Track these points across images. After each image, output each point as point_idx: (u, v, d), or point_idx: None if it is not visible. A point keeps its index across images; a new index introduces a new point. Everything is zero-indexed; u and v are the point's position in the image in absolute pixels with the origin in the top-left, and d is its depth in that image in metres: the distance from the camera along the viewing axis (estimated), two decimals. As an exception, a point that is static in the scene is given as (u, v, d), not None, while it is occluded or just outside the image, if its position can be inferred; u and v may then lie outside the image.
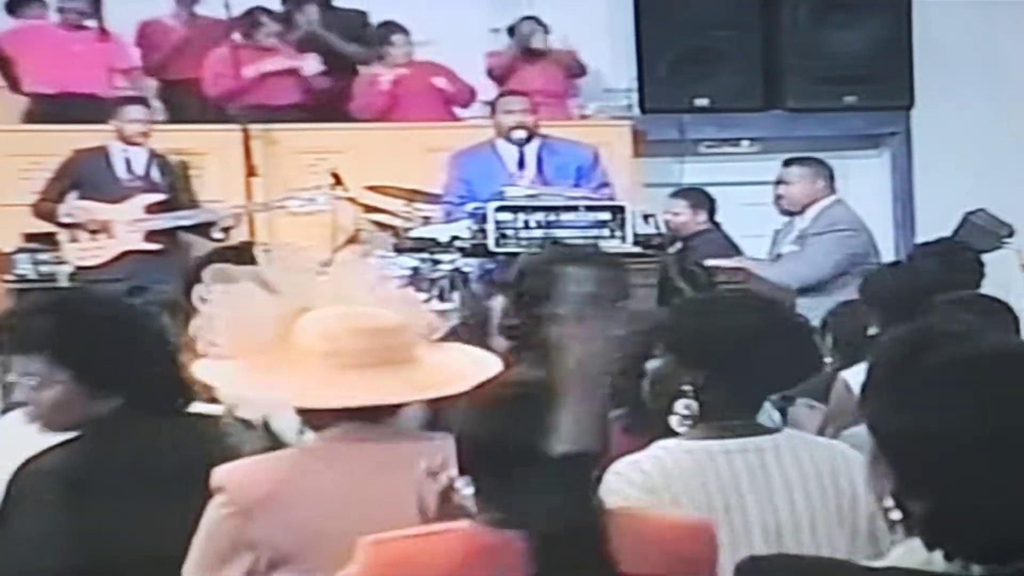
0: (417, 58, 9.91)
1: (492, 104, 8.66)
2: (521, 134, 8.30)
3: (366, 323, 3.01)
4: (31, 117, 9.56)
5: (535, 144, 8.35)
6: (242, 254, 3.23)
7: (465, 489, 2.64)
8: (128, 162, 8.62)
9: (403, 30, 9.90)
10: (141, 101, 8.89)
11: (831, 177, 8.36)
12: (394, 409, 3.05)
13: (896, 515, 2.00)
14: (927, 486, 1.97)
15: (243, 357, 2.98)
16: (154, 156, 8.68)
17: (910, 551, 2.04)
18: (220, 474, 2.91)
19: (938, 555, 1.96)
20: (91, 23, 9.59)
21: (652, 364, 3.25)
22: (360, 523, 2.70)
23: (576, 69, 10.19)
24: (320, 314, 3.01)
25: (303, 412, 3.02)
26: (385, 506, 2.83)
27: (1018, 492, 1.95)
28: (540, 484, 2.60)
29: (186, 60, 9.84)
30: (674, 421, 3.16)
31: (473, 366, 3.06)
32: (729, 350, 3.10)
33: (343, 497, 2.88)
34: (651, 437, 3.19)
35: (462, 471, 2.65)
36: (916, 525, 1.98)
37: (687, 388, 3.14)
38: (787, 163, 8.50)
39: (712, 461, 3.07)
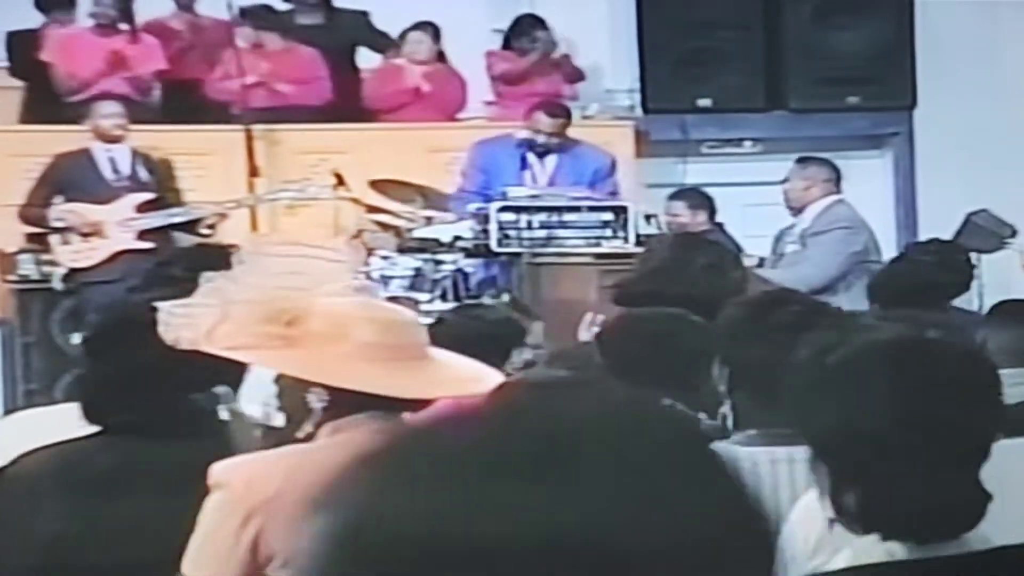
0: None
1: (528, 111, 8.67)
2: (546, 140, 8.39)
3: (389, 316, 2.99)
4: (49, 118, 9.51)
5: (557, 149, 8.43)
6: (213, 251, 3.21)
7: None
8: (113, 161, 8.62)
9: (431, 27, 9.85)
10: (114, 97, 8.86)
11: (837, 178, 8.37)
12: (422, 405, 3.00)
13: (830, 513, 2.05)
14: (854, 476, 2.03)
15: (258, 345, 2.92)
16: (137, 154, 8.67)
17: (854, 555, 2.07)
18: (220, 471, 2.84)
19: (877, 550, 2.01)
20: (123, 26, 9.55)
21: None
22: None
23: (574, 75, 10.18)
24: (344, 303, 2.98)
25: (331, 400, 2.91)
26: None
27: (935, 470, 2.02)
28: None
29: (190, 61, 9.84)
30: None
31: (481, 368, 3.06)
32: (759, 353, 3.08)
33: None
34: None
35: None
36: (850, 516, 2.03)
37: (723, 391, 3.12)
38: (796, 162, 8.54)
39: (754, 470, 3.03)
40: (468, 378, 3.02)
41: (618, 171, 8.71)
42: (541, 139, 8.44)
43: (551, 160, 8.45)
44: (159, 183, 8.67)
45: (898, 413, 2.02)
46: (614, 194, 8.38)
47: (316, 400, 2.92)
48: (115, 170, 8.61)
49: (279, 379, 3.06)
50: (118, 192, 8.55)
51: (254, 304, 2.92)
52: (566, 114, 8.70)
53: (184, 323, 2.93)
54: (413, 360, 2.96)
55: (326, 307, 2.95)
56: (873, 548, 2.03)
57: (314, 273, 3.01)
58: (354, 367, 2.88)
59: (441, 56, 9.87)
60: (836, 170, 8.44)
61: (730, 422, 3.15)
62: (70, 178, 8.52)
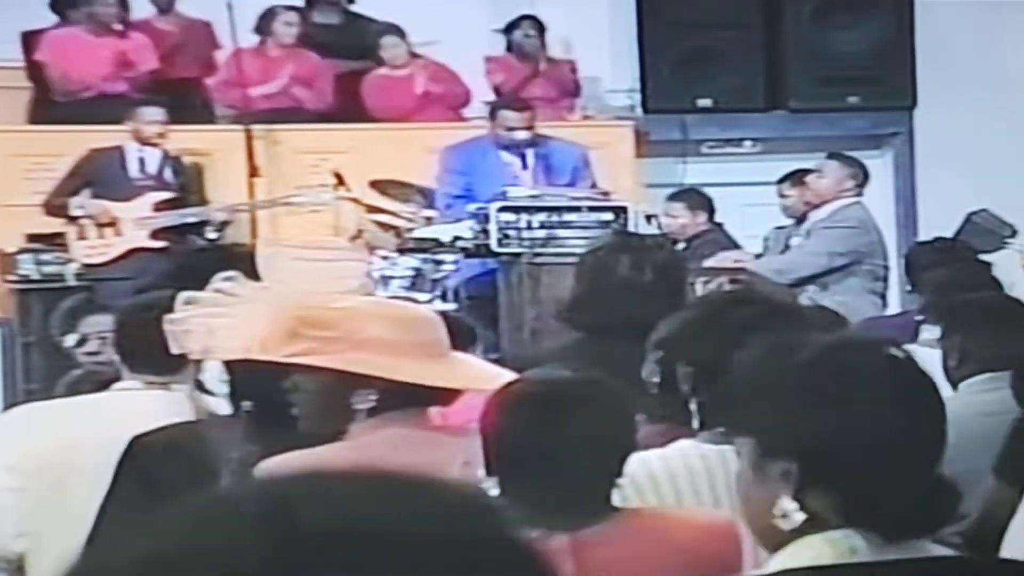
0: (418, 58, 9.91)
1: (491, 112, 8.66)
2: (519, 137, 8.37)
3: (417, 314, 3.01)
4: (55, 118, 9.51)
5: (531, 146, 8.41)
6: (223, 252, 3.20)
7: (491, 490, 2.63)
8: (142, 161, 8.69)
9: (398, 32, 9.85)
10: (158, 102, 8.91)
11: (863, 182, 8.36)
12: (451, 401, 3.03)
13: (800, 516, 2.05)
14: (831, 477, 2.05)
15: (319, 350, 2.89)
16: (168, 157, 8.72)
17: (795, 553, 2.07)
18: (262, 470, 2.80)
19: (827, 550, 2.02)
20: (117, 26, 9.55)
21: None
22: None
23: (570, 87, 10.15)
24: (369, 303, 2.98)
25: (380, 399, 2.90)
26: None
27: (908, 466, 2.05)
28: (563, 483, 2.61)
29: (176, 60, 9.86)
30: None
31: (498, 369, 3.08)
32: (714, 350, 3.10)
33: None
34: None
35: (488, 471, 2.63)
36: (828, 517, 2.04)
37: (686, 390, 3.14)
38: (829, 157, 8.53)
39: (723, 465, 3.06)
40: (495, 375, 3.03)
41: (592, 164, 8.69)
42: (517, 135, 8.41)
43: (529, 157, 8.43)
44: (183, 185, 8.72)
45: (855, 415, 2.05)
46: (593, 187, 8.38)
47: (361, 401, 2.90)
48: (142, 169, 8.68)
49: (302, 380, 3.01)
50: (140, 190, 8.61)
51: (301, 308, 2.90)
52: (529, 107, 8.66)
53: (229, 333, 2.88)
54: (443, 356, 2.97)
55: (366, 306, 2.96)
56: (805, 551, 2.04)
57: (353, 275, 3.03)
58: (412, 363, 2.88)
59: (414, 55, 9.87)
60: (866, 174, 8.43)
61: (695, 422, 3.17)
62: (99, 172, 8.59)
